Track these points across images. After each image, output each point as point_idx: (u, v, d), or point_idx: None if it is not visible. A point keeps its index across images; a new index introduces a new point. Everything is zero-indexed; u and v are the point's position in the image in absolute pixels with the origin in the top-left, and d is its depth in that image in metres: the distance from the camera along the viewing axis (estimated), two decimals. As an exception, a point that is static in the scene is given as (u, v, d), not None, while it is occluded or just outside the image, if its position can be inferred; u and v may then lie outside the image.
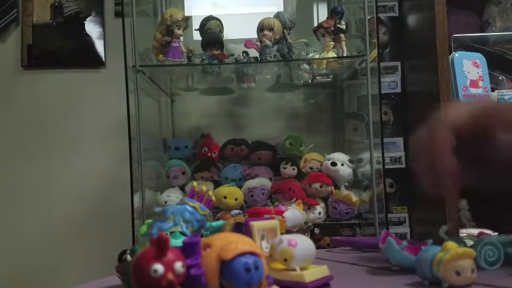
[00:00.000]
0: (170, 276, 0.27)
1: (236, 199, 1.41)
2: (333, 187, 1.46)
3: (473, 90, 1.42)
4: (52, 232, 1.85)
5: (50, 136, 1.88)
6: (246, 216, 0.49)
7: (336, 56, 1.46)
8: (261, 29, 1.45)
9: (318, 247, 0.40)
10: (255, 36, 1.47)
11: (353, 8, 1.66)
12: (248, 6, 1.83)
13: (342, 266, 0.50)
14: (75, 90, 1.89)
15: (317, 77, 1.61)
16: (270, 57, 1.43)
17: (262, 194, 1.42)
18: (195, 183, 0.48)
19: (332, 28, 1.45)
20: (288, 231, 0.58)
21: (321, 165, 1.49)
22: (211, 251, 0.31)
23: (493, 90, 1.48)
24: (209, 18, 1.53)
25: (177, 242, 0.37)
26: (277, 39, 1.46)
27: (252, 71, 1.58)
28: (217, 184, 1.49)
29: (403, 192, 1.71)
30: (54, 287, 1.83)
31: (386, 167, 1.50)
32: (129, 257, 0.39)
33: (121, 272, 0.40)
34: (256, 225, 0.41)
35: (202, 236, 0.45)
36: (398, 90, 1.73)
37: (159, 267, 0.26)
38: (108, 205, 1.83)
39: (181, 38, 1.44)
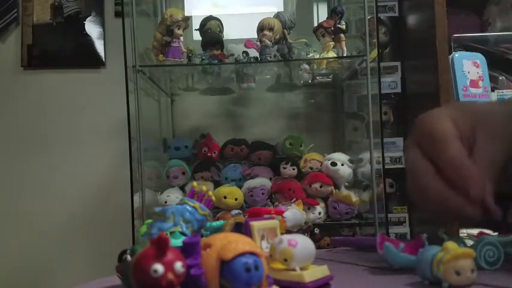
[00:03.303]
0: (170, 276, 0.27)
1: (236, 199, 1.41)
2: (333, 187, 1.46)
3: (473, 90, 1.42)
4: (52, 232, 1.85)
5: (49, 136, 1.88)
6: (246, 216, 0.49)
7: (336, 56, 1.46)
8: (261, 29, 1.45)
9: (317, 247, 0.40)
10: (255, 36, 1.47)
11: (353, 8, 1.66)
12: (248, 6, 1.83)
13: (342, 266, 0.50)
14: (75, 90, 1.89)
15: (317, 77, 1.61)
16: (270, 57, 1.43)
17: (262, 194, 1.42)
18: (195, 183, 0.48)
19: (332, 28, 1.45)
20: (288, 231, 0.58)
21: (321, 165, 1.49)
22: (211, 251, 0.31)
23: (493, 90, 1.48)
24: (209, 18, 1.53)
25: (177, 242, 0.37)
26: (277, 39, 1.46)
27: (252, 71, 1.58)
28: (217, 184, 1.49)
29: (403, 192, 1.71)
30: (54, 287, 1.83)
31: (386, 167, 1.50)
32: (129, 257, 0.39)
33: (121, 272, 0.40)
34: (256, 225, 0.40)
35: (202, 236, 0.45)
36: (399, 90, 1.73)
37: (159, 267, 0.26)
38: (108, 205, 1.83)
39: (181, 38, 1.44)
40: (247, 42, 1.45)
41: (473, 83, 1.42)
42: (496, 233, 0.55)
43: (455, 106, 0.49)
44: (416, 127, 0.49)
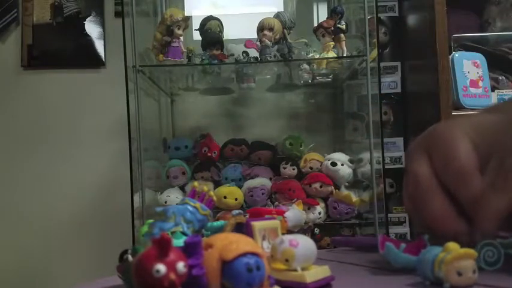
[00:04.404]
0: (172, 276, 0.27)
1: (236, 199, 1.41)
2: (333, 187, 1.46)
3: (473, 90, 1.42)
4: (52, 232, 1.85)
5: (49, 136, 1.88)
6: (247, 217, 0.49)
7: (336, 56, 1.46)
8: (261, 29, 1.45)
9: (318, 247, 0.40)
10: (255, 36, 1.47)
11: (353, 8, 1.66)
12: (248, 6, 1.83)
13: (343, 266, 0.50)
14: (75, 90, 1.89)
15: (317, 77, 1.61)
16: (270, 57, 1.43)
17: (262, 194, 1.42)
18: (196, 183, 0.48)
19: (332, 28, 1.45)
20: (289, 231, 0.58)
21: (321, 165, 1.49)
22: (212, 251, 0.31)
23: (493, 90, 1.48)
24: (209, 18, 1.53)
25: (178, 242, 0.37)
26: (277, 39, 1.46)
27: (252, 71, 1.58)
28: (217, 184, 1.49)
29: (403, 192, 1.71)
30: (54, 287, 1.83)
31: (386, 167, 1.50)
32: (130, 257, 0.39)
33: (122, 271, 0.40)
34: (257, 225, 0.40)
35: (203, 236, 0.45)
36: (398, 90, 1.73)
37: (161, 268, 0.26)
38: (108, 205, 1.83)
39: (181, 38, 1.44)
40: (247, 42, 1.45)
41: (473, 83, 1.42)
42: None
43: (475, 124, 0.45)
44: (430, 139, 0.46)
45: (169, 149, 1.56)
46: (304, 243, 0.37)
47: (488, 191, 0.41)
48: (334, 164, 1.46)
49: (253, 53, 1.44)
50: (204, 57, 1.45)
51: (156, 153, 1.62)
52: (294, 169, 1.47)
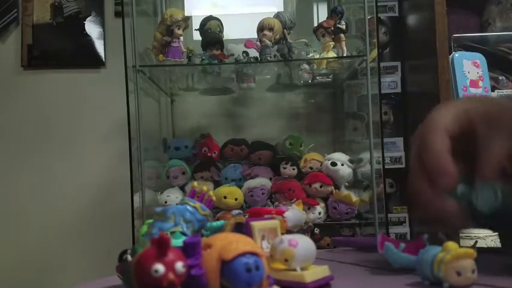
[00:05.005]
0: (171, 276, 0.27)
1: (236, 199, 1.41)
2: (333, 187, 1.46)
3: (473, 90, 1.42)
4: (52, 232, 1.85)
5: (49, 136, 1.88)
6: (247, 217, 0.49)
7: (336, 56, 1.46)
8: (261, 29, 1.45)
9: (317, 247, 0.40)
10: (255, 36, 1.47)
11: (353, 8, 1.66)
12: (248, 6, 1.83)
13: (342, 266, 0.50)
14: (75, 90, 1.89)
15: (317, 77, 1.61)
16: (270, 57, 1.43)
17: (262, 194, 1.42)
18: (195, 183, 0.48)
19: (332, 28, 1.45)
20: (288, 231, 0.58)
21: (321, 165, 1.49)
22: (211, 251, 0.31)
23: (493, 90, 1.48)
24: (209, 18, 1.53)
25: (177, 242, 0.37)
26: (277, 39, 1.46)
27: (252, 71, 1.58)
28: (217, 184, 1.49)
29: (403, 192, 1.71)
30: (54, 287, 1.83)
31: (386, 167, 1.50)
32: (129, 257, 0.39)
33: (121, 271, 0.40)
34: (257, 225, 0.40)
35: (202, 236, 0.45)
36: (398, 90, 1.73)
37: (159, 267, 0.26)
38: (108, 205, 1.83)
39: (181, 38, 1.44)
40: (247, 42, 1.45)
41: (473, 83, 1.42)
42: (495, 233, 0.54)
43: (474, 98, 0.48)
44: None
45: (169, 149, 1.56)
46: (304, 243, 0.37)
47: (491, 136, 0.42)
48: (334, 164, 1.46)
49: (253, 53, 1.44)
50: (204, 57, 1.45)
51: (156, 153, 1.62)
52: (294, 169, 1.47)
